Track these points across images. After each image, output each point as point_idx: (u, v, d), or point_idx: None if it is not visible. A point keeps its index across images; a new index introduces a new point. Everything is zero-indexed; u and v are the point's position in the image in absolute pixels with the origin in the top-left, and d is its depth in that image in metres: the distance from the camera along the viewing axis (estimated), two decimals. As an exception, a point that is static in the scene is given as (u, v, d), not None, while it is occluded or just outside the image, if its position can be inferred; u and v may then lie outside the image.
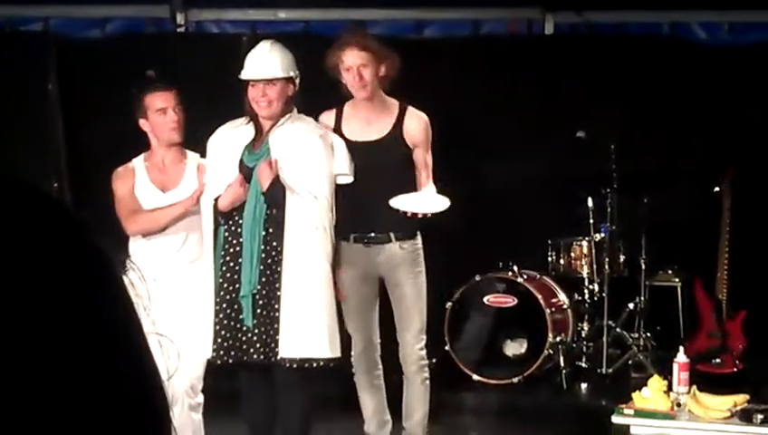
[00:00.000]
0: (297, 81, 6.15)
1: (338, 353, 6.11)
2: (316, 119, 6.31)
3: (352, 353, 6.43)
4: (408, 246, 6.29)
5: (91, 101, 9.02)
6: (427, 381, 6.42)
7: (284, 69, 6.10)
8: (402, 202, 6.09)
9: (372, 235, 6.28)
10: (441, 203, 6.19)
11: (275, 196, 5.98)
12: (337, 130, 6.28)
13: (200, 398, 6.29)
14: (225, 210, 6.06)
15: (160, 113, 6.24)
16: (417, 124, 6.28)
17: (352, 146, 6.21)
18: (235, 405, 6.38)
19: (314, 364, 6.00)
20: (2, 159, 8.79)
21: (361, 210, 6.18)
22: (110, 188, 6.38)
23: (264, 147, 6.09)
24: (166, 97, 6.26)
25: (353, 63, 6.14)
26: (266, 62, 6.11)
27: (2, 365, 0.80)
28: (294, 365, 5.97)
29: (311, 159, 6.04)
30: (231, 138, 6.20)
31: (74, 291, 0.85)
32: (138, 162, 6.41)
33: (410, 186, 6.23)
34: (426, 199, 6.19)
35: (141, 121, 6.29)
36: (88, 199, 8.82)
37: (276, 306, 5.98)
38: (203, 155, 6.35)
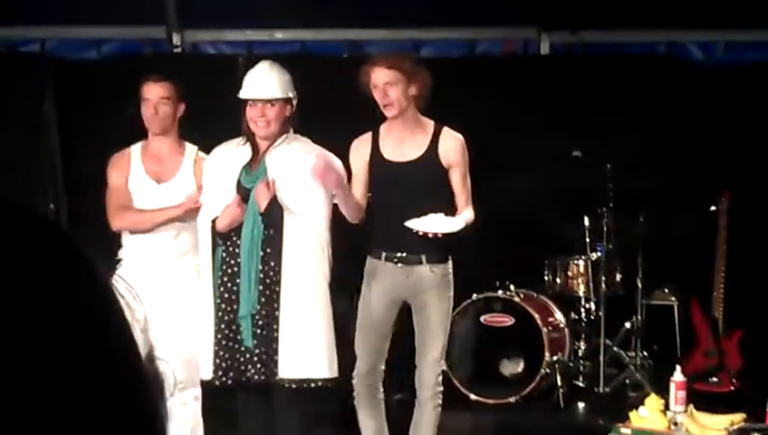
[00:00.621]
0: (294, 102, 6.16)
1: (335, 374, 6.10)
2: (312, 139, 6.27)
3: (354, 374, 6.33)
4: (439, 271, 6.17)
5: (87, 121, 9.02)
6: (439, 408, 6.30)
7: (283, 90, 6.11)
8: (415, 222, 6.00)
9: (404, 255, 6.16)
10: (453, 224, 6.07)
11: (273, 216, 5.98)
12: (375, 150, 6.21)
13: (197, 390, 6.29)
14: (223, 231, 6.07)
15: (147, 103, 6.33)
16: (452, 144, 6.18)
17: (388, 165, 6.16)
18: (232, 425, 6.37)
19: (312, 384, 5.99)
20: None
21: (394, 230, 6.07)
22: (104, 176, 6.42)
23: (261, 167, 6.09)
24: (155, 88, 6.37)
25: (380, 82, 6.07)
26: (265, 83, 6.12)
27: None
28: (293, 386, 5.96)
29: (308, 179, 6.01)
30: (228, 158, 6.21)
31: (67, 309, 0.85)
32: (135, 149, 6.47)
33: (445, 206, 6.11)
34: (438, 220, 6.12)
35: (142, 109, 6.40)
36: (84, 219, 8.81)
37: (275, 327, 5.98)
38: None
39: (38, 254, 0.87)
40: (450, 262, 6.24)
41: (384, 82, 6.06)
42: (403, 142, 6.19)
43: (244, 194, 6.06)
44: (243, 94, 6.14)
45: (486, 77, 9.31)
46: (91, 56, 9.61)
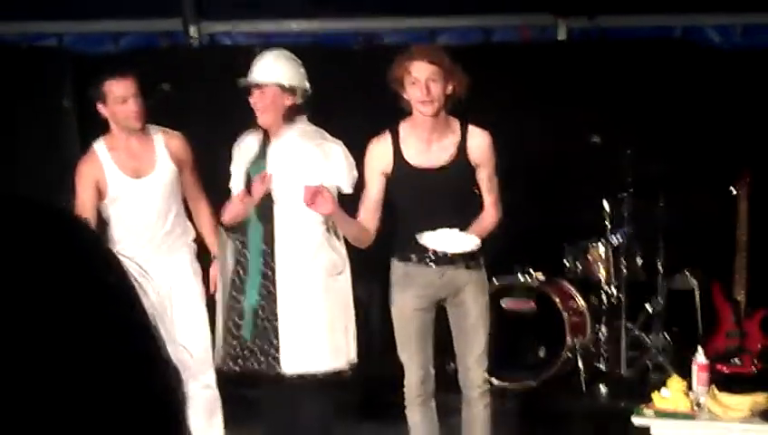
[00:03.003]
0: (300, 92, 6.01)
1: (343, 365, 6.05)
2: (324, 128, 6.14)
3: (405, 383, 6.04)
4: (474, 266, 5.99)
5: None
6: (489, 408, 6.11)
7: (277, 76, 5.96)
8: (428, 238, 5.80)
9: (441, 255, 5.87)
10: (467, 243, 5.88)
11: (265, 210, 5.96)
12: (397, 154, 5.90)
13: (209, 377, 6.28)
14: (228, 225, 6.06)
15: (120, 101, 6.15)
16: (479, 142, 5.94)
17: (414, 173, 5.87)
18: (248, 412, 6.40)
19: (310, 378, 5.94)
20: (19, 174, 8.83)
21: (425, 232, 5.82)
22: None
23: (263, 160, 6.05)
24: (125, 85, 6.15)
25: (422, 77, 5.75)
26: (260, 69, 6.03)
27: (18, 377, 0.81)
28: (293, 379, 5.94)
29: (306, 171, 5.89)
30: (240, 151, 6.18)
31: (86, 297, 0.86)
32: (99, 148, 6.29)
33: (475, 208, 6.00)
34: (452, 238, 5.88)
35: (99, 106, 6.19)
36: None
37: (275, 321, 5.97)
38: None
39: (58, 244, 0.87)
40: (482, 257, 6.06)
41: (426, 78, 5.76)
42: (430, 145, 5.90)
43: (250, 186, 6.04)
44: (246, 81, 6.07)
45: (503, 64, 9.29)
46: (109, 50, 9.64)
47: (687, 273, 8.71)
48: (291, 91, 5.98)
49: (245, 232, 6.07)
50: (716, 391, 6.13)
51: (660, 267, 8.60)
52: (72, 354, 0.83)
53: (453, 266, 5.93)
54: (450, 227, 5.83)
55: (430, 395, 6.09)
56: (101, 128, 8.99)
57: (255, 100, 5.98)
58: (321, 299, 5.98)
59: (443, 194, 5.85)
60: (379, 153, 5.94)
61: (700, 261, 8.69)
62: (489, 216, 6.05)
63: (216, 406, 6.35)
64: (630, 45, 9.43)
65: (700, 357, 6.33)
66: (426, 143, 5.90)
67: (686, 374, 6.36)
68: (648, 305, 8.66)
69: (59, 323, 0.83)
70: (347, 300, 6.13)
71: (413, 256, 5.92)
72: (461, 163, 5.91)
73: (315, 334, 5.95)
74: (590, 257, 8.67)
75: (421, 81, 5.76)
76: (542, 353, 8.35)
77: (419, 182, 5.86)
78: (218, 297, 6.19)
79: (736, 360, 8.14)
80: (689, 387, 6.19)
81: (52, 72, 9.20)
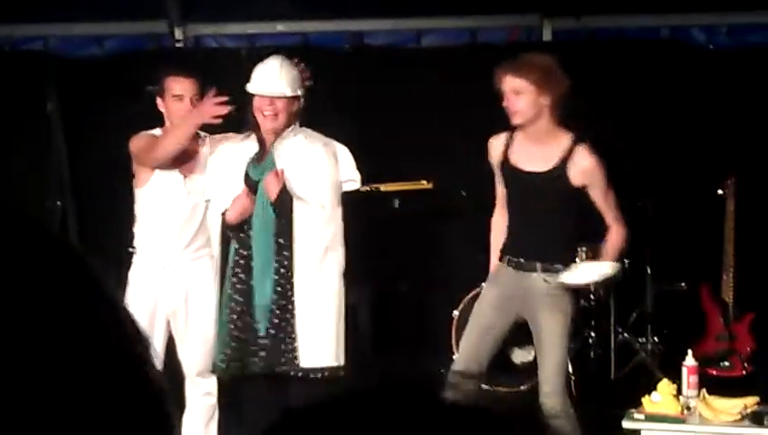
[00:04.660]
0: (303, 98, 6.17)
1: (342, 362, 6.11)
2: (317, 131, 6.28)
3: (451, 369, 6.19)
4: (553, 280, 5.99)
5: (91, 118, 9.00)
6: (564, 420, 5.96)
7: (293, 87, 6.11)
8: (568, 276, 5.97)
9: (521, 260, 6.03)
10: (603, 270, 6.10)
11: (284, 206, 5.99)
12: (505, 154, 6.08)
13: (211, 384, 6.31)
14: (234, 223, 6.08)
15: (176, 100, 6.25)
16: (584, 165, 5.98)
17: (515, 172, 6.04)
18: (245, 417, 6.37)
19: (326, 373, 6.01)
20: (3, 179, 8.78)
21: (518, 236, 6.03)
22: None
23: (269, 159, 6.10)
24: (185, 84, 6.29)
25: (507, 88, 5.94)
26: (276, 79, 6.11)
27: (16, 390, 0.81)
28: (310, 375, 5.98)
29: (315, 168, 6.05)
30: (234, 152, 6.21)
31: (73, 317, 0.86)
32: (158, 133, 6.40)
33: (572, 227, 6.11)
34: (588, 270, 6.10)
35: (158, 100, 6.31)
36: (91, 217, 8.82)
37: (291, 317, 5.99)
38: None
39: (41, 261, 0.87)
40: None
41: (510, 90, 5.90)
42: (532, 152, 6.00)
43: (252, 186, 6.08)
44: (251, 88, 6.12)
45: (490, 65, 9.26)
46: (94, 52, 9.59)
47: (675, 274, 8.71)
48: (297, 98, 6.14)
49: (247, 230, 6.08)
50: (707, 395, 6.13)
51: (648, 269, 8.59)
52: (58, 361, 0.82)
53: (532, 275, 6.01)
54: (544, 231, 5.96)
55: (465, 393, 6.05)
56: (88, 131, 8.99)
57: (268, 102, 6.06)
58: (335, 293, 6.09)
59: (539, 201, 5.96)
60: (494, 146, 6.17)
61: (688, 262, 8.69)
62: (615, 233, 6.17)
63: (214, 413, 6.39)
64: (616, 46, 9.42)
65: (690, 360, 6.33)
66: (528, 150, 6.02)
67: (675, 377, 6.36)
68: (636, 309, 8.65)
69: (45, 328, 0.82)
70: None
71: (507, 257, 6.11)
72: (559, 177, 5.97)
73: (328, 329, 6.04)
74: (577, 260, 8.64)
75: (507, 92, 5.93)
76: (531, 357, 8.33)
77: (517, 181, 6.04)
78: (218, 299, 6.19)
79: (726, 363, 8.14)
80: (679, 391, 6.20)
81: (37, 75, 9.15)
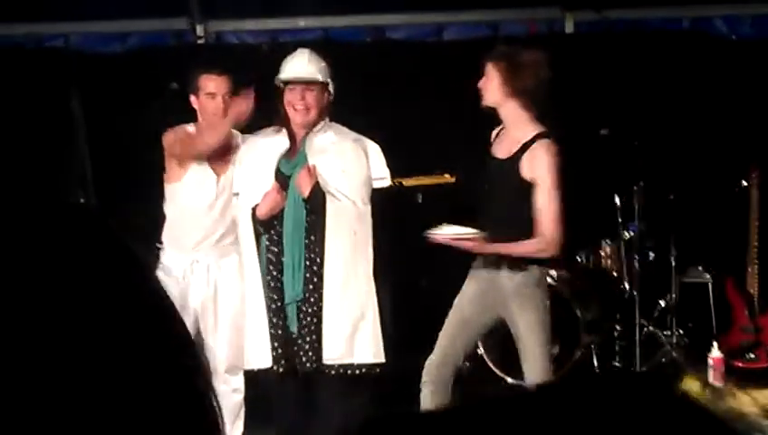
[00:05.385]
0: (332, 91, 6.16)
1: (382, 359, 6.11)
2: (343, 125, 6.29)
3: (426, 361, 6.02)
4: (518, 278, 5.84)
5: (113, 114, 9.03)
6: None
7: (323, 74, 6.12)
8: (436, 231, 5.92)
9: (489, 258, 5.91)
10: (458, 231, 5.89)
11: (316, 202, 5.98)
12: (492, 142, 6.05)
13: (239, 380, 6.33)
14: (265, 218, 6.06)
15: (209, 97, 6.27)
16: (535, 160, 5.78)
17: (488, 159, 6.00)
18: (278, 413, 6.37)
19: (357, 371, 6.00)
20: (28, 174, 8.81)
21: (487, 227, 5.85)
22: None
23: (301, 154, 6.09)
24: (218, 82, 6.30)
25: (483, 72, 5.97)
26: (306, 66, 6.11)
27: (53, 376, 0.81)
28: (340, 371, 5.98)
29: (346, 164, 6.06)
30: (264, 147, 6.19)
31: (120, 307, 0.86)
32: (191, 129, 6.42)
33: (518, 224, 5.79)
34: (446, 229, 5.94)
35: (192, 98, 6.34)
36: (114, 212, 8.83)
37: (321, 313, 5.97)
38: None
39: (89, 244, 0.89)
40: (535, 268, 5.88)
41: (484, 73, 5.93)
42: (503, 140, 5.98)
43: (282, 181, 6.06)
44: (283, 76, 6.11)
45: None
46: (116, 50, 9.62)
47: (700, 267, 8.68)
48: (328, 89, 6.14)
49: (277, 226, 6.07)
50: (733, 387, 6.11)
51: (673, 262, 8.56)
52: (103, 354, 0.83)
53: (500, 274, 5.87)
54: (504, 223, 5.82)
55: (444, 386, 6.00)
56: (110, 127, 9.00)
57: (299, 96, 6.05)
58: (366, 290, 6.09)
59: (496, 190, 5.91)
60: (492, 138, 6.09)
61: (713, 255, 8.66)
62: (536, 241, 5.80)
63: (241, 410, 6.40)
64: (638, 37, 9.40)
65: (715, 353, 6.32)
66: (503, 137, 5.99)
67: (701, 369, 6.34)
68: (661, 301, 8.62)
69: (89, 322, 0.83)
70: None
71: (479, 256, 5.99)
72: (511, 166, 5.84)
73: (361, 325, 6.05)
74: (602, 253, 8.64)
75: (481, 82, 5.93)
76: (555, 351, 8.31)
77: (487, 169, 5.99)
78: (254, 295, 6.16)
79: (752, 355, 8.11)
80: (705, 382, 6.18)
81: (59, 72, 9.17)
